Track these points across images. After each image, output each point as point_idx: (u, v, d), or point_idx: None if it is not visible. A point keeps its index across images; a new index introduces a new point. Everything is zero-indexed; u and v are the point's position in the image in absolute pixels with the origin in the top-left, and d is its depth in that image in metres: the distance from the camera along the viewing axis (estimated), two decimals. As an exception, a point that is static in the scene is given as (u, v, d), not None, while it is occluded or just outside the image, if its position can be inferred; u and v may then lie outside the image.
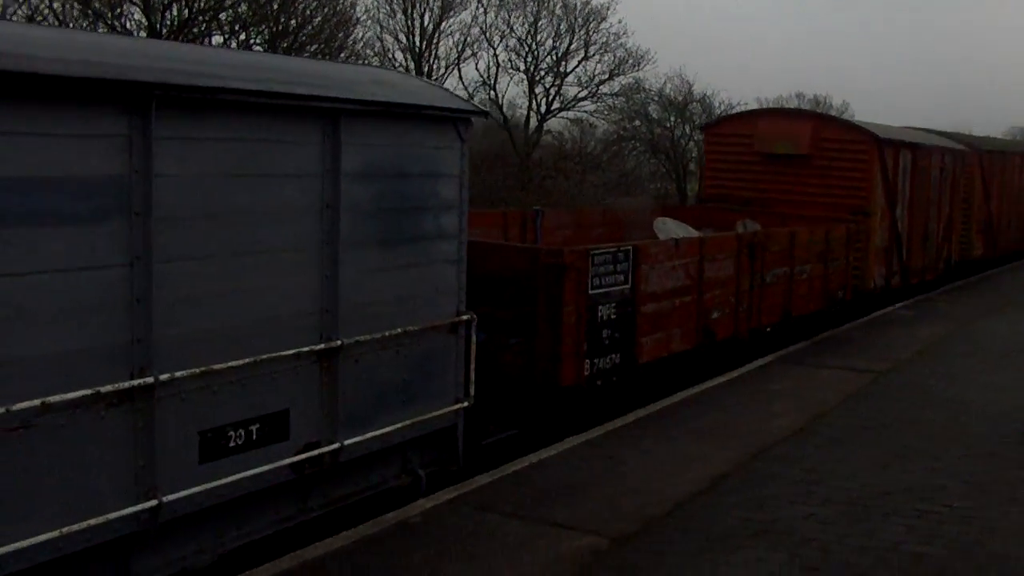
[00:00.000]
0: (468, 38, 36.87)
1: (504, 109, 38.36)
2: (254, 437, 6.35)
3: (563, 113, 39.58)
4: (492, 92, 38.11)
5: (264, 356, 6.30)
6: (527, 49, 38.01)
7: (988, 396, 11.10)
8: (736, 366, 12.41)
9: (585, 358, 9.76)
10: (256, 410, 6.35)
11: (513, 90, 44.03)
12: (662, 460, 8.54)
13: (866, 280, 17.12)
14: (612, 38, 38.76)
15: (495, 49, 37.81)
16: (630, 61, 39.39)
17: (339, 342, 6.85)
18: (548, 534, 6.85)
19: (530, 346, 9.49)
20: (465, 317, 8.08)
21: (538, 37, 37.79)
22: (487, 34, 37.28)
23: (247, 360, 6.19)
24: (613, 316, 10.13)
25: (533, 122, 38.70)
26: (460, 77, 37.16)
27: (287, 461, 6.58)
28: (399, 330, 7.39)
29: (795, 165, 17.22)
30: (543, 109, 38.88)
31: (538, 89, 38.63)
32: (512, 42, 38.01)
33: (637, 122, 39.83)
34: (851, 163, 16.94)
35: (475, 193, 30.29)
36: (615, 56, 39.14)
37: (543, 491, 7.70)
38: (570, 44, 38.33)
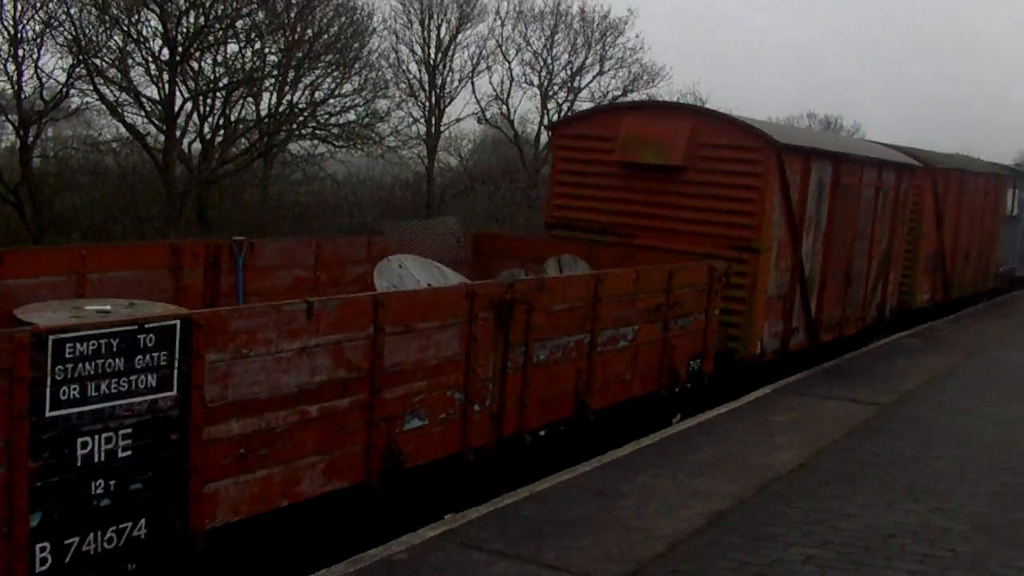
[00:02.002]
0: (484, 51, 36.63)
1: (516, 124, 37.81)
2: None
3: (574, 130, 38.78)
4: (504, 107, 37.61)
5: None
6: (542, 63, 37.59)
7: (997, 431, 10.90)
8: (459, 508, 7.64)
9: (33, 543, 5.09)
10: None
11: (526, 105, 43.53)
12: (659, 496, 8.15)
13: (748, 343, 12.23)
14: (628, 53, 38.22)
15: (510, 63, 37.19)
16: (645, 77, 38.86)
17: None
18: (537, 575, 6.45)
19: None
20: None
21: (554, 51, 37.49)
22: (503, 47, 36.93)
23: None
24: (128, 453, 5.50)
25: (544, 138, 38.18)
26: (473, 90, 36.98)
27: None
28: None
29: (666, 180, 12.47)
30: (555, 125, 38.37)
31: (551, 104, 38.03)
32: (527, 56, 37.53)
33: (649, 140, 39.22)
34: (737, 177, 12.13)
35: (480, 211, 30.13)
36: (630, 72, 38.59)
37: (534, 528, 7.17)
38: (586, 58, 37.92)
